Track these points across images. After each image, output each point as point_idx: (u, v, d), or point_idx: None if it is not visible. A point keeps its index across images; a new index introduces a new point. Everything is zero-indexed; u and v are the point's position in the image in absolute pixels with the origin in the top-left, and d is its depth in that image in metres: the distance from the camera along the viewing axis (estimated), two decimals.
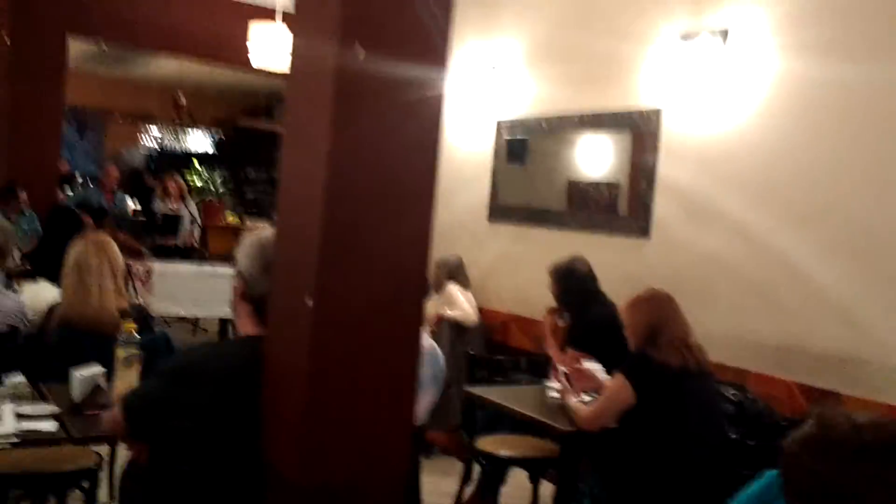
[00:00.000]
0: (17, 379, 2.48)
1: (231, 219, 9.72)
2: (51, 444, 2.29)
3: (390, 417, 1.63)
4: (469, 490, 3.83)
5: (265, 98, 12.15)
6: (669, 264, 4.15)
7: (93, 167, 11.17)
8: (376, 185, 1.57)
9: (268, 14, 6.99)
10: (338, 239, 1.53)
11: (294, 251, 1.63)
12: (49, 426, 2.28)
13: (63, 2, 6.90)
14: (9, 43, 4.77)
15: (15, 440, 2.16)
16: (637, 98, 4.46)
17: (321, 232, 1.52)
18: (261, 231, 1.94)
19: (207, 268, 7.35)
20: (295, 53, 1.70)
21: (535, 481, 3.65)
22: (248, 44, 6.66)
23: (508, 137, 5.37)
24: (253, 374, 1.71)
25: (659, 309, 2.88)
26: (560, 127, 4.99)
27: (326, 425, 1.57)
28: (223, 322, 7.36)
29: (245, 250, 1.89)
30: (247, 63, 7.02)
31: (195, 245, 8.16)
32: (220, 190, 10.58)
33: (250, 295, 1.85)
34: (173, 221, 8.00)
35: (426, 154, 1.63)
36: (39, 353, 3.03)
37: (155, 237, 7.76)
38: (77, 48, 7.47)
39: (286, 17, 6.67)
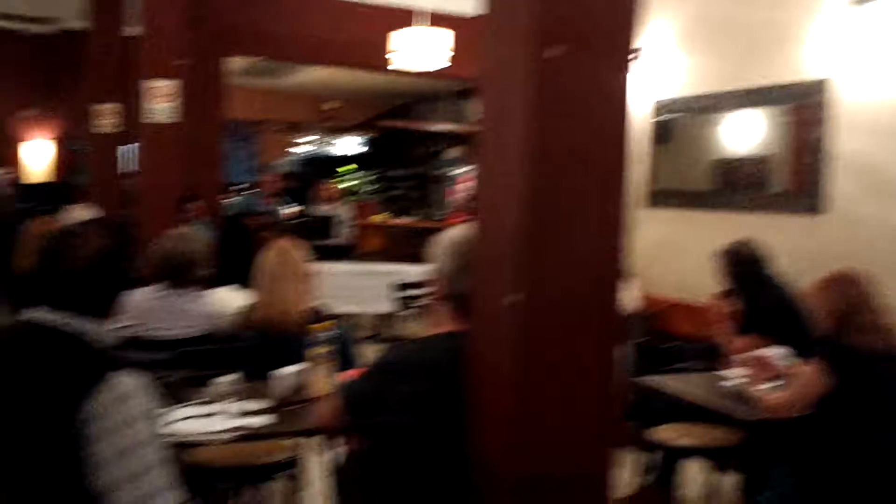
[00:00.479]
0: (229, 378, 2.68)
1: (381, 217, 10.05)
2: (264, 438, 2.46)
3: (595, 407, 1.65)
4: (642, 481, 3.79)
5: (406, 98, 12.45)
6: (848, 241, 3.93)
7: (250, 176, 11.82)
8: (574, 178, 1.59)
9: (405, 17, 7.18)
10: (540, 234, 1.57)
11: (496, 248, 1.68)
12: (263, 421, 2.45)
13: (224, 25, 7.37)
14: (185, 65, 5.14)
15: (234, 435, 2.34)
16: (801, 70, 4.24)
17: (523, 228, 1.56)
18: (454, 230, 2.00)
19: (364, 266, 7.65)
20: (488, 53, 1.74)
21: (715, 471, 3.57)
22: (388, 48, 6.87)
23: (663, 118, 5.25)
24: (458, 367, 1.78)
25: (852, 290, 2.74)
26: (715, 105, 4.83)
27: (535, 418, 1.61)
28: (379, 317, 7.64)
29: (440, 250, 1.95)
30: (388, 66, 7.26)
31: (350, 244, 8.49)
32: (369, 190, 10.95)
33: (448, 293, 1.91)
34: (327, 223, 8.34)
35: (618, 142, 1.64)
36: (234, 355, 3.26)
37: (313, 239, 8.13)
38: (231, 63, 7.94)
39: (435, 19, 6.83)
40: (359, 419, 1.90)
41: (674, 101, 5.08)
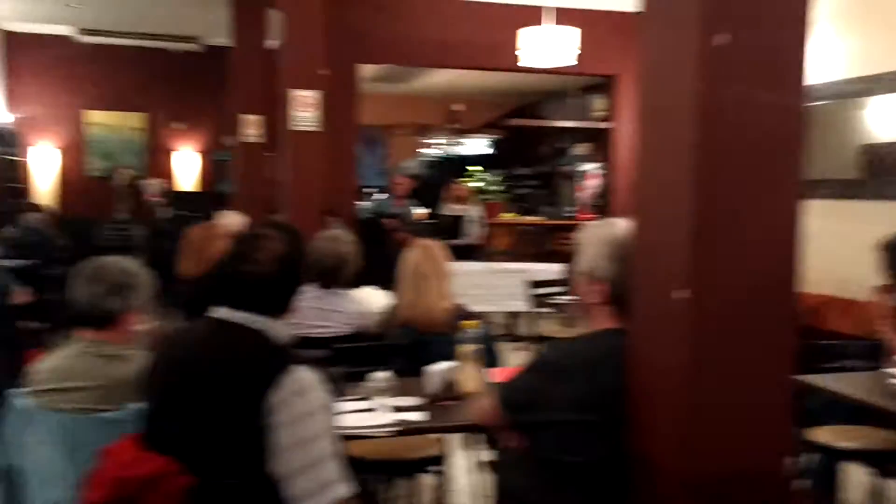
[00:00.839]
0: (383, 374, 2.78)
1: (508, 216, 10.07)
2: (421, 433, 2.53)
3: (772, 405, 1.61)
4: (800, 483, 3.63)
5: (532, 97, 12.42)
6: None
7: (379, 179, 12.12)
8: (745, 168, 1.55)
9: (531, 14, 7.17)
10: (710, 225, 1.53)
11: (660, 242, 1.66)
12: (420, 416, 2.53)
13: (355, 35, 7.63)
14: (328, 73, 5.35)
15: (398, 429, 2.43)
16: None
17: (692, 219, 1.53)
18: (599, 226, 1.99)
19: (495, 265, 7.71)
20: (649, 42, 1.72)
21: (879, 476, 3.37)
22: (516, 47, 6.88)
23: (812, 103, 5.00)
24: (619, 365, 1.77)
25: None
26: (867, 88, 4.56)
27: (708, 418, 1.58)
28: (511, 315, 7.66)
29: (590, 246, 1.94)
30: (516, 65, 7.27)
31: (480, 244, 8.55)
32: (497, 189, 11.00)
33: (601, 290, 1.90)
34: (455, 222, 8.44)
35: (793, 129, 1.58)
36: (385, 353, 3.37)
37: (444, 239, 8.24)
38: (362, 70, 8.19)
39: (561, 15, 6.80)
40: (518, 417, 1.92)
41: (825, 85, 4.83)
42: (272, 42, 6.80)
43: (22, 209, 9.47)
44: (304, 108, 5.10)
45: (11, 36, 10.90)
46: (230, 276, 1.82)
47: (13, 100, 10.99)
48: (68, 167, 11.47)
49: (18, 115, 10.88)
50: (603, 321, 1.91)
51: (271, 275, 1.80)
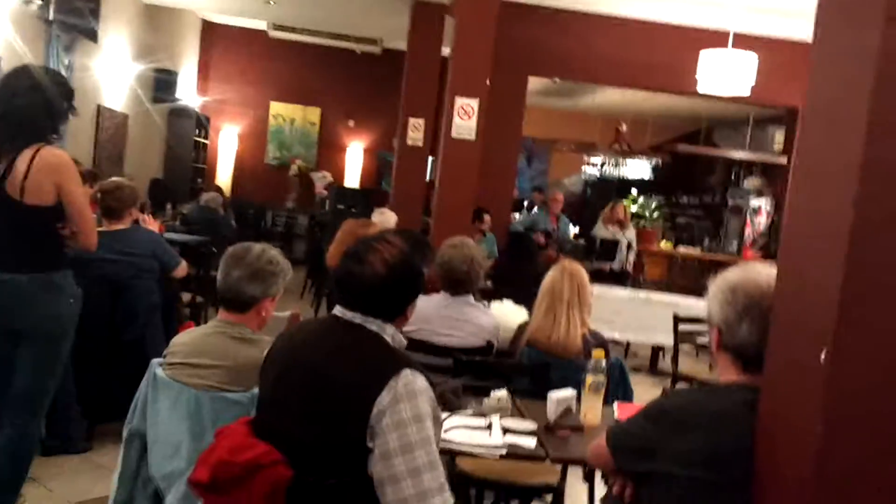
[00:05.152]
0: (501, 393, 2.73)
1: (664, 245, 9.73)
2: (534, 459, 2.46)
3: None
4: None
5: (700, 123, 11.95)
6: None
7: (537, 193, 12.07)
8: None
9: (708, 38, 6.88)
10: (872, 280, 1.36)
11: (807, 295, 1.50)
12: (530, 442, 2.46)
13: (527, 47, 7.63)
14: (488, 84, 5.38)
15: (503, 452, 2.37)
16: None
17: (850, 271, 1.37)
18: (730, 272, 1.84)
19: (642, 294, 7.45)
20: (819, 79, 1.55)
21: None
22: (692, 71, 6.62)
23: None
24: (744, 424, 1.63)
25: None
26: None
27: (838, 491, 1.42)
28: (655, 349, 7.38)
29: (716, 295, 1.80)
30: (692, 90, 7.00)
31: (630, 271, 8.31)
32: (654, 216, 10.66)
33: (726, 343, 1.77)
34: (611, 247, 8.24)
35: None
36: (510, 370, 3.31)
37: (593, 261, 8.08)
38: (529, 83, 8.19)
39: (738, 40, 6.48)
40: (628, 464, 1.81)
41: None
42: (448, 49, 6.94)
43: (202, 189, 10.22)
44: (465, 116, 5.15)
45: (209, 25, 11.79)
46: (342, 275, 1.84)
47: (204, 85, 11.88)
48: (248, 153, 12.25)
49: (208, 100, 11.74)
50: (729, 372, 1.78)
51: (380, 278, 1.80)
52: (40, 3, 6.61)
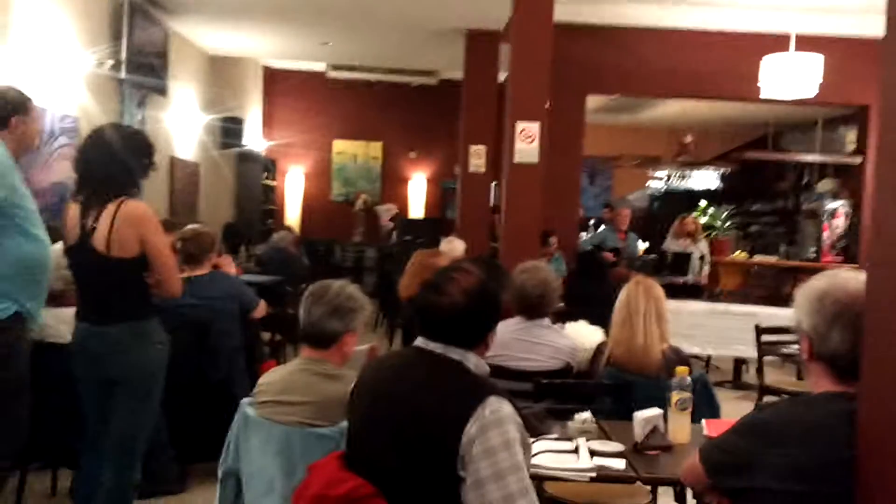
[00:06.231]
0: (585, 415, 2.70)
1: (738, 255, 9.49)
2: (618, 481, 2.43)
3: None
4: None
5: (767, 129, 11.68)
6: None
7: (602, 211, 11.97)
8: None
9: (769, 43, 6.75)
10: None
11: None
12: (619, 464, 2.42)
13: (583, 67, 7.63)
14: (548, 106, 5.39)
15: (593, 475, 2.35)
16: None
17: None
18: (816, 279, 1.79)
19: (720, 306, 7.28)
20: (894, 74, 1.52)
21: None
22: (754, 76, 6.50)
23: None
24: (842, 435, 1.58)
25: None
26: None
27: None
28: (738, 362, 7.19)
29: (804, 303, 1.76)
30: (755, 96, 6.87)
31: (705, 283, 8.13)
32: (726, 225, 10.42)
33: (818, 352, 1.72)
34: (683, 260, 8.09)
35: None
36: (593, 391, 3.28)
37: (667, 276, 7.94)
38: (588, 101, 8.17)
39: (800, 41, 6.35)
40: (722, 481, 1.78)
41: None
42: (504, 75, 6.99)
43: (273, 229, 10.48)
44: (527, 140, 5.17)
45: (270, 72, 12.15)
46: (422, 305, 1.86)
47: (269, 129, 12.22)
48: (314, 192, 12.52)
49: (274, 143, 12.07)
50: (822, 382, 1.73)
51: (460, 307, 1.81)
52: (112, 63, 6.93)
